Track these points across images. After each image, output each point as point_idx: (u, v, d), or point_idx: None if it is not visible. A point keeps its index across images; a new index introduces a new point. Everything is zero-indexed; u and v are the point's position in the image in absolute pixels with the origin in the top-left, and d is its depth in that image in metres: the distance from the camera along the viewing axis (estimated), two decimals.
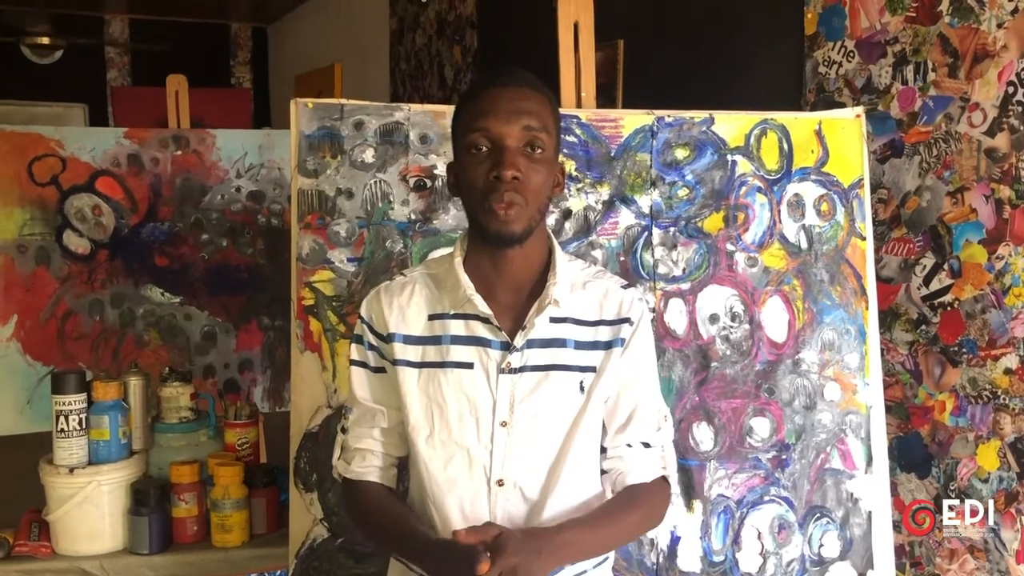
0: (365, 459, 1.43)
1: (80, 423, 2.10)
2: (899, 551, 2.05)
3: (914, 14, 2.04)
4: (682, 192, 1.88)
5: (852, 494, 1.88)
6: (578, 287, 1.40)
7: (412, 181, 1.83)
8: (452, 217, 1.83)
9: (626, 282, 1.46)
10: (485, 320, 1.35)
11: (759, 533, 1.85)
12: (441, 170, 1.83)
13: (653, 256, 1.85)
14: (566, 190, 1.83)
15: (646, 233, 1.86)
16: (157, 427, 2.32)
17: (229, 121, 4.84)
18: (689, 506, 1.83)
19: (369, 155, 1.83)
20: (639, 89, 2.94)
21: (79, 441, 2.10)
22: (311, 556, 1.78)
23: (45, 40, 5.57)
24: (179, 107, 3.10)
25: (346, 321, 1.81)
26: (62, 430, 2.09)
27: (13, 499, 2.31)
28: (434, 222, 1.83)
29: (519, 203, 1.30)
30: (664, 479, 1.44)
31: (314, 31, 6.41)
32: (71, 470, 2.08)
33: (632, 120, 1.88)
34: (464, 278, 1.36)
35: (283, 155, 3.03)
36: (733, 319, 1.87)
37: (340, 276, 1.82)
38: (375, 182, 1.83)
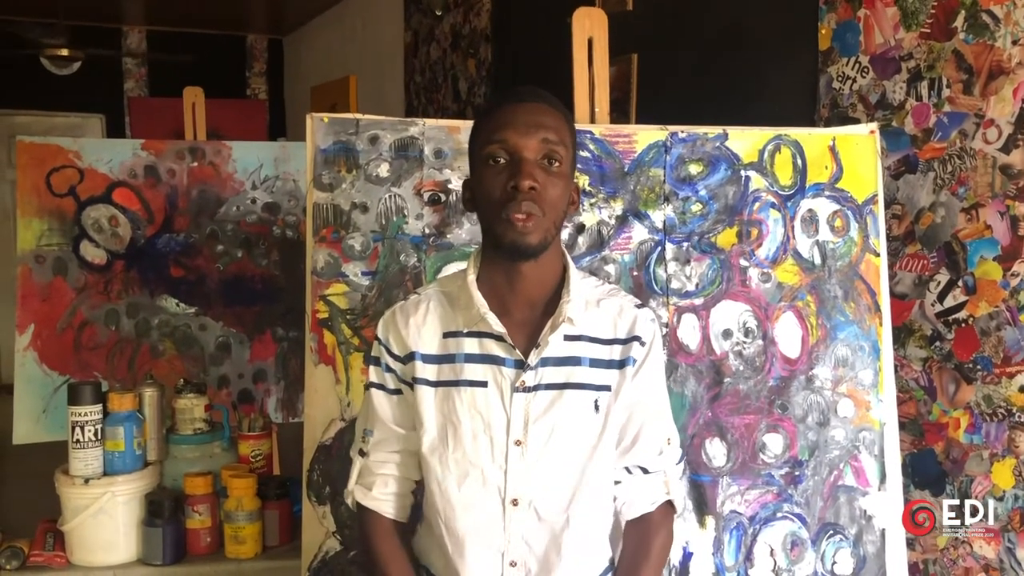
0: (387, 485, 1.44)
1: (95, 434, 2.12)
2: (913, 569, 2.04)
3: (928, 30, 2.04)
4: (695, 207, 1.88)
5: (865, 511, 1.88)
6: (592, 305, 1.40)
7: (426, 195, 1.84)
8: (466, 232, 1.84)
9: (640, 301, 1.46)
10: (499, 338, 1.35)
11: (772, 550, 1.84)
12: (455, 184, 1.84)
13: (666, 271, 1.86)
14: (579, 204, 1.83)
15: (659, 248, 1.87)
16: (171, 438, 2.33)
17: (245, 132, 4.89)
18: (701, 522, 1.82)
19: (384, 169, 1.84)
20: (653, 104, 2.94)
21: (94, 452, 2.12)
22: (323, 569, 1.79)
23: (64, 52, 5.63)
24: (195, 118, 3.12)
25: (360, 334, 1.82)
26: (77, 441, 2.10)
27: (28, 508, 2.33)
28: (448, 236, 1.84)
29: (536, 213, 1.29)
30: (668, 503, 1.44)
31: (329, 43, 6.45)
32: (86, 481, 2.10)
33: (646, 135, 1.88)
34: (477, 296, 1.36)
35: (298, 167, 3.04)
36: (746, 335, 1.86)
37: (354, 289, 1.83)
38: (390, 196, 1.84)
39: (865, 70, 2.20)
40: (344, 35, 6.14)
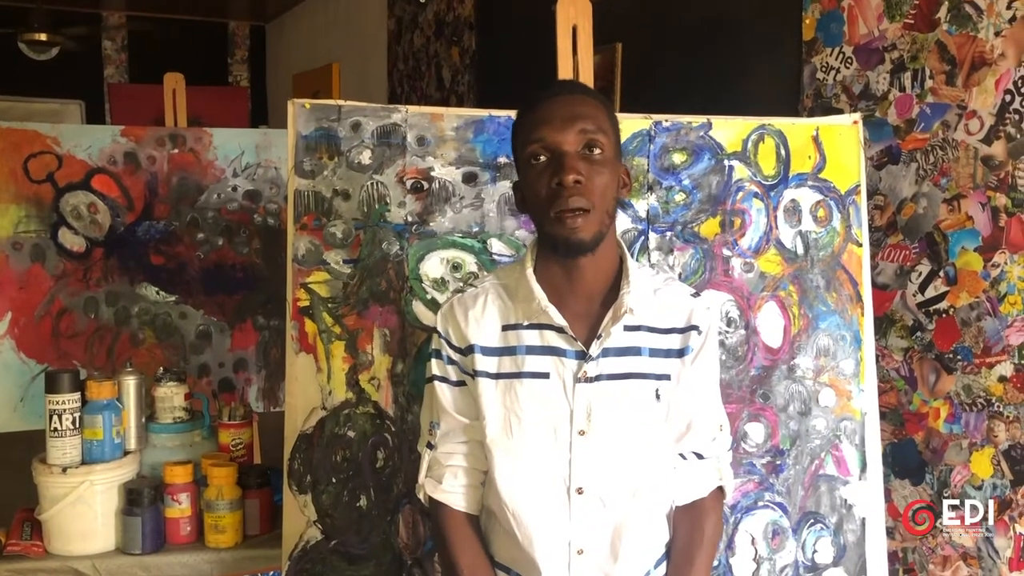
0: (457, 477, 1.44)
1: (74, 422, 2.10)
2: (892, 557, 2.05)
3: (912, 21, 2.04)
4: (679, 197, 1.88)
5: (846, 500, 1.89)
6: (649, 294, 1.40)
7: (409, 183, 1.83)
8: (449, 220, 1.83)
9: (695, 290, 1.47)
10: (559, 330, 1.36)
11: (753, 538, 1.85)
12: (438, 172, 1.83)
13: (649, 261, 1.85)
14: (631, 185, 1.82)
15: (643, 238, 1.86)
16: (151, 427, 2.32)
17: (226, 119, 4.85)
18: None
19: (366, 156, 1.83)
20: (637, 93, 2.93)
21: (72, 440, 2.10)
22: (304, 558, 1.78)
23: (42, 36, 5.56)
24: (176, 105, 3.09)
25: (342, 323, 1.80)
26: (55, 429, 2.08)
27: (5, 498, 2.31)
28: (431, 224, 1.83)
29: (585, 206, 1.30)
30: (719, 489, 1.47)
31: (312, 30, 6.40)
32: (64, 469, 2.08)
33: (629, 124, 1.88)
34: (537, 289, 1.37)
35: (280, 154, 3.02)
36: (729, 324, 1.87)
37: (336, 277, 1.81)
38: (372, 183, 1.82)
39: (849, 60, 2.20)
40: (327, 22, 6.09)
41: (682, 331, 1.40)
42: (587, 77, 1.94)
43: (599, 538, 1.37)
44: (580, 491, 1.36)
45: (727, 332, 1.86)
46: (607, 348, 1.36)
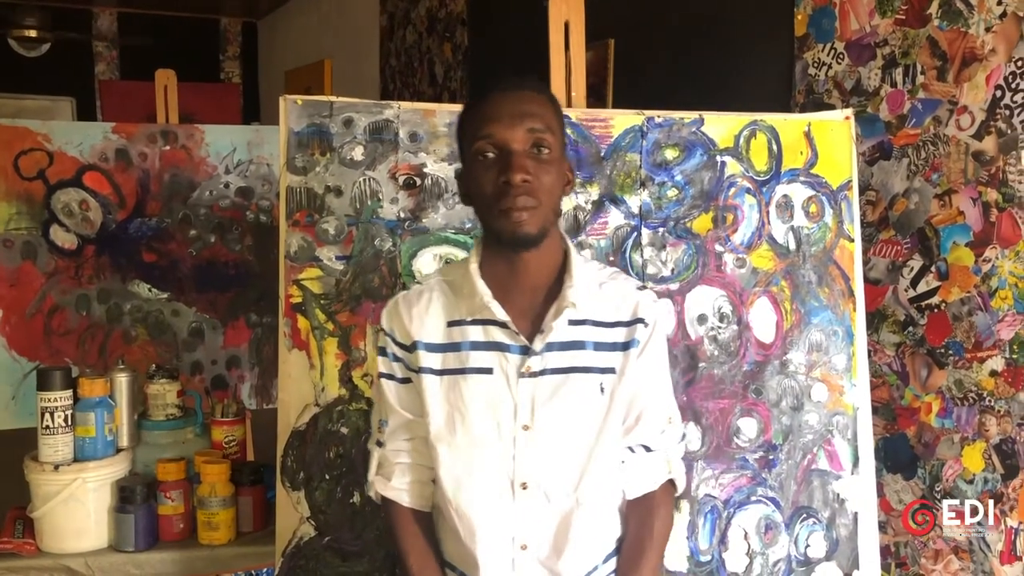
0: (405, 475, 1.44)
1: (66, 420, 2.09)
2: (884, 551, 2.06)
3: (903, 16, 2.05)
4: (671, 193, 1.88)
5: (838, 495, 1.89)
6: (594, 288, 1.40)
7: (401, 179, 1.83)
8: (441, 216, 1.83)
9: (642, 284, 1.47)
10: (503, 325, 1.36)
11: (746, 533, 1.85)
12: (431, 168, 1.83)
13: (642, 256, 1.86)
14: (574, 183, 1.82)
15: (635, 233, 1.86)
16: (144, 424, 2.31)
17: (218, 116, 4.82)
18: (676, 506, 1.83)
19: (358, 153, 1.82)
20: (629, 89, 2.94)
21: (64, 438, 2.09)
22: (297, 554, 1.78)
23: (33, 33, 5.53)
24: (168, 102, 3.08)
25: (334, 319, 1.80)
26: (47, 427, 2.08)
27: None
28: (423, 220, 1.83)
29: (532, 204, 1.30)
30: (670, 482, 1.47)
31: (304, 27, 6.39)
32: (56, 467, 2.07)
33: (622, 120, 1.88)
34: (480, 285, 1.36)
35: (272, 151, 3.01)
36: (721, 320, 1.87)
37: (328, 274, 1.81)
38: (364, 180, 1.82)
39: (840, 56, 2.21)
40: (319, 18, 6.08)
41: (628, 324, 1.40)
42: (579, 72, 1.94)
43: (543, 533, 1.37)
44: (524, 486, 1.35)
45: (719, 327, 1.86)
46: (551, 342, 1.36)
